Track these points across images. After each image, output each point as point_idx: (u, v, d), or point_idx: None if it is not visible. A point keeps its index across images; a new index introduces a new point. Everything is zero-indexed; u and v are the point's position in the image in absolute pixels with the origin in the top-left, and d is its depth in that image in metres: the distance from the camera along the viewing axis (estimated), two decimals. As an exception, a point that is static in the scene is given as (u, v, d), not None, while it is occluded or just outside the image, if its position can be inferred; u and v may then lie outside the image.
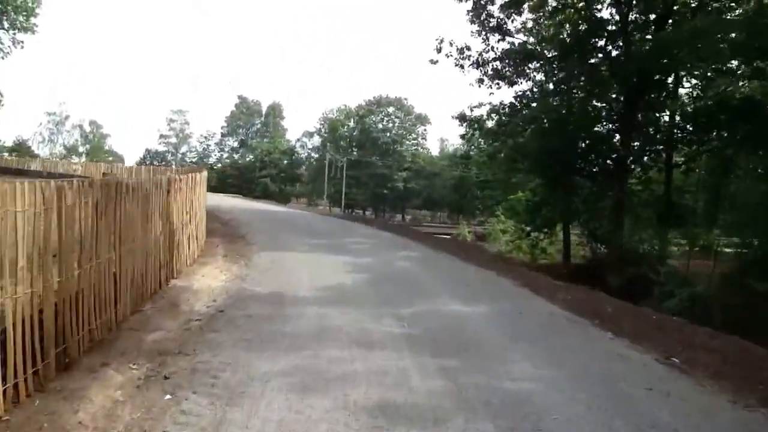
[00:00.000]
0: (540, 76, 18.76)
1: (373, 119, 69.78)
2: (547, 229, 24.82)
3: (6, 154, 51.84)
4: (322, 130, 72.58)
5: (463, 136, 21.82)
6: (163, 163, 69.52)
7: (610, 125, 18.77)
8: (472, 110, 19.53)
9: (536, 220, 22.93)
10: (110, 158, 67.51)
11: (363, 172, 65.70)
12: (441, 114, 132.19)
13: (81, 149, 65.11)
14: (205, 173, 11.12)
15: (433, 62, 17.99)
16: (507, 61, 18.07)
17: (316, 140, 73.57)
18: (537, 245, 27.01)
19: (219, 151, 74.81)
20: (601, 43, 17.71)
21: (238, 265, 9.16)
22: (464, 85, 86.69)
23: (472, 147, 64.69)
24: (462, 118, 19.73)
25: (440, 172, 68.00)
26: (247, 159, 70.38)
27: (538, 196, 22.83)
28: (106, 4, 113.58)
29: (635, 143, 18.30)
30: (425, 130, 72.38)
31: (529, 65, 18.11)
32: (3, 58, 23.86)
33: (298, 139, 75.02)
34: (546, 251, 28.47)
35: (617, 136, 18.87)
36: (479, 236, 36.70)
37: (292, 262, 9.98)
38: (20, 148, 59.02)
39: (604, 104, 18.39)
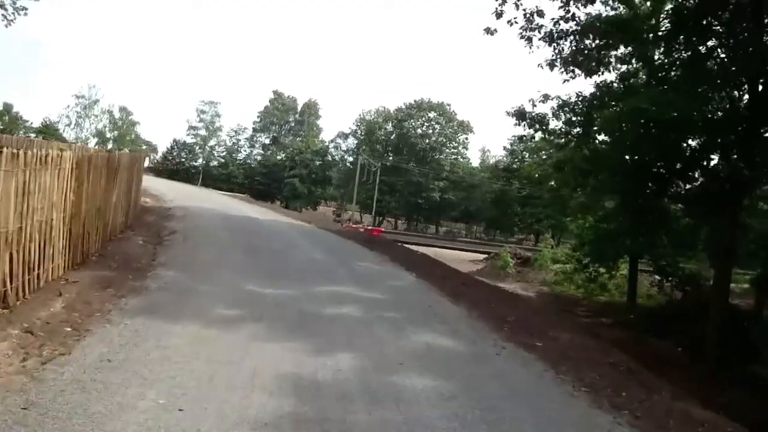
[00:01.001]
0: (633, 62, 13.95)
1: (413, 124, 65.25)
2: (612, 262, 20.20)
3: (33, 135, 50.00)
4: (358, 131, 68.52)
5: (521, 138, 17.08)
6: (191, 155, 66.92)
7: (726, 135, 13.75)
8: (534, 105, 14.86)
9: (606, 251, 18.05)
10: (144, 146, 65.30)
11: (398, 179, 61.30)
12: (483, 121, 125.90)
13: (109, 135, 62.96)
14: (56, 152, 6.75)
15: (491, 32, 13.30)
16: (590, 37, 13.36)
17: (351, 142, 69.57)
18: (595, 279, 22.36)
19: (249, 147, 71.27)
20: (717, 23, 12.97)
21: (11, 368, 4.05)
22: (514, 86, 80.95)
23: (516, 160, 59.85)
24: (520, 115, 15.08)
25: (480, 185, 62.98)
26: (278, 157, 66.80)
27: (612, 221, 17.84)
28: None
29: (757, 159, 13.21)
30: (467, 138, 67.39)
31: (624, 45, 13.30)
32: (7, 25, 20.98)
33: (332, 140, 71.14)
34: (606, 287, 23.91)
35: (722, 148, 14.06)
36: (522, 259, 31.75)
37: (157, 367, 4.51)
38: (47, 130, 57.29)
39: (720, 104, 13.51)
